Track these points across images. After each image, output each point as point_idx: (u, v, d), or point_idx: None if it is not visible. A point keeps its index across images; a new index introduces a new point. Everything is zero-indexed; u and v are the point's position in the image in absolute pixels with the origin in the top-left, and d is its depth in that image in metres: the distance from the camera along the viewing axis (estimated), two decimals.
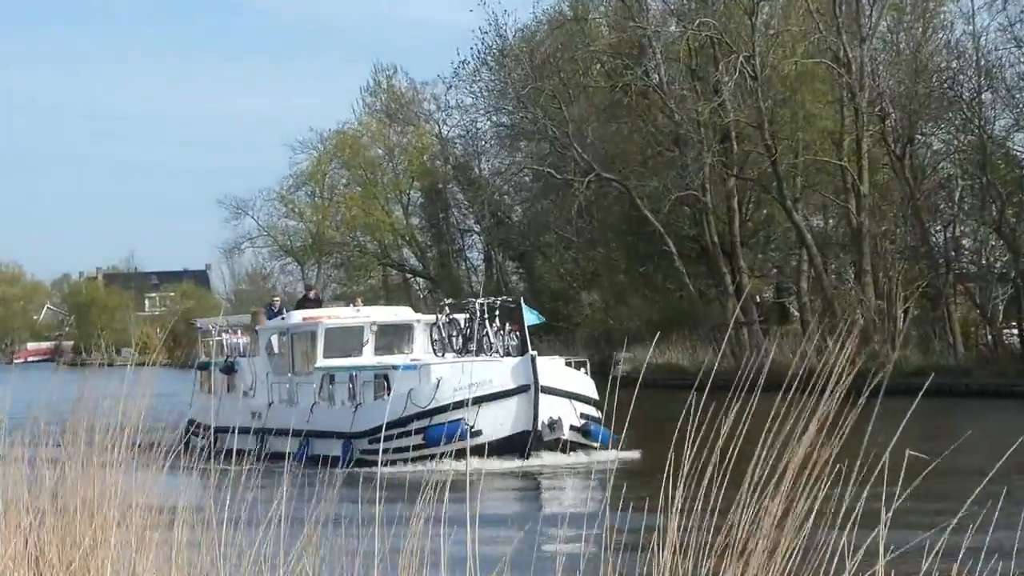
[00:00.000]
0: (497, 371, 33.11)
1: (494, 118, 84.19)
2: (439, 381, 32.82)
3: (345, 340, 37.38)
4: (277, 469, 11.75)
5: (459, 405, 31.56)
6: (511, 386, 32.80)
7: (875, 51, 59.25)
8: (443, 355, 35.46)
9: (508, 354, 34.71)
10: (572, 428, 33.06)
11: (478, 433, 31.47)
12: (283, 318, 39.17)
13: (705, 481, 6.87)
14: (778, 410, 6.82)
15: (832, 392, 6.81)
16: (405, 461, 30.26)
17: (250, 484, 9.67)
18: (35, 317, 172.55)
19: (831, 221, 66.75)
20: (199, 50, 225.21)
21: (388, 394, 33.11)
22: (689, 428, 7.02)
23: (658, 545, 6.91)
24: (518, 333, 34.93)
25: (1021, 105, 55.05)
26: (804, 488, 6.70)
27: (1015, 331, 57.10)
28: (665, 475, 6.91)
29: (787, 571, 6.74)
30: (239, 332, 41.69)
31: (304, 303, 41.67)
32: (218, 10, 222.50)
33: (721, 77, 60.06)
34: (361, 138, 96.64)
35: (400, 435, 31.75)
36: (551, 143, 72.45)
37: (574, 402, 33.27)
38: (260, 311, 42.37)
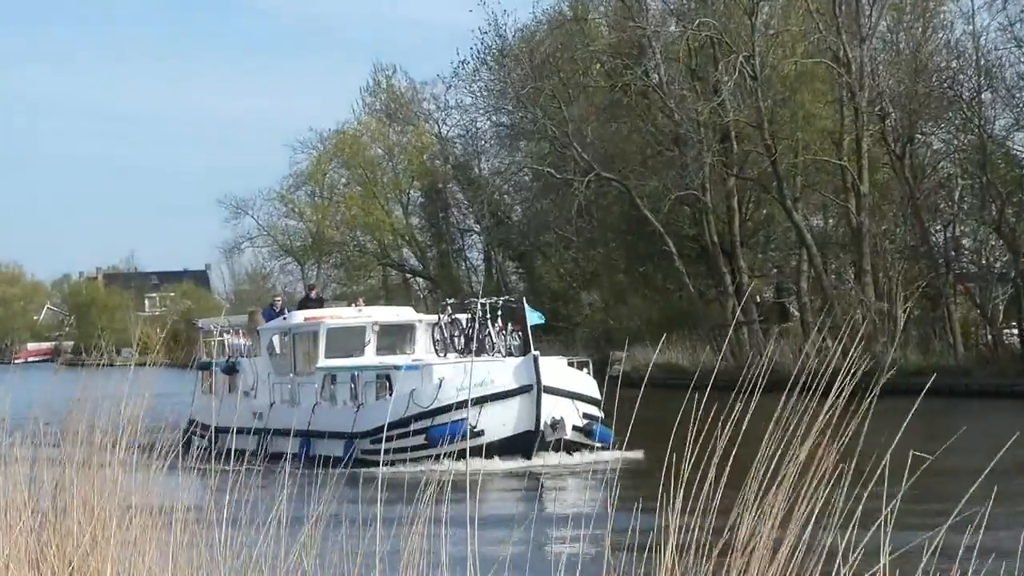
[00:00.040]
0: (499, 371, 33.02)
1: (494, 118, 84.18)
2: (441, 381, 32.73)
3: (347, 340, 37.32)
4: (277, 469, 11.73)
5: (461, 405, 31.50)
6: (513, 386, 32.72)
7: (875, 51, 59.21)
8: (445, 355, 35.36)
9: (510, 354, 34.60)
10: (574, 428, 33.00)
11: (480, 433, 31.41)
12: (284, 318, 39.15)
13: (707, 482, 6.86)
14: (781, 412, 6.81)
15: (837, 395, 6.81)
16: (406, 462, 30.21)
17: (250, 484, 9.66)
18: (35, 317, 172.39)
19: (831, 221, 66.66)
20: (199, 50, 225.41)
21: (390, 394, 33.00)
22: (690, 428, 7.02)
23: (659, 545, 6.90)
24: (520, 333, 34.88)
25: (1021, 105, 55.02)
26: (806, 489, 6.70)
27: (1015, 331, 57.03)
28: (665, 475, 6.90)
29: (788, 571, 6.74)
30: (240, 332, 41.70)
31: (306, 303, 41.66)
32: (218, 10, 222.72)
33: (721, 77, 60.02)
34: (361, 138, 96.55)
35: (402, 435, 31.63)
36: (551, 143, 72.42)
37: (577, 402, 33.20)
38: (257, 311, 42.35)
